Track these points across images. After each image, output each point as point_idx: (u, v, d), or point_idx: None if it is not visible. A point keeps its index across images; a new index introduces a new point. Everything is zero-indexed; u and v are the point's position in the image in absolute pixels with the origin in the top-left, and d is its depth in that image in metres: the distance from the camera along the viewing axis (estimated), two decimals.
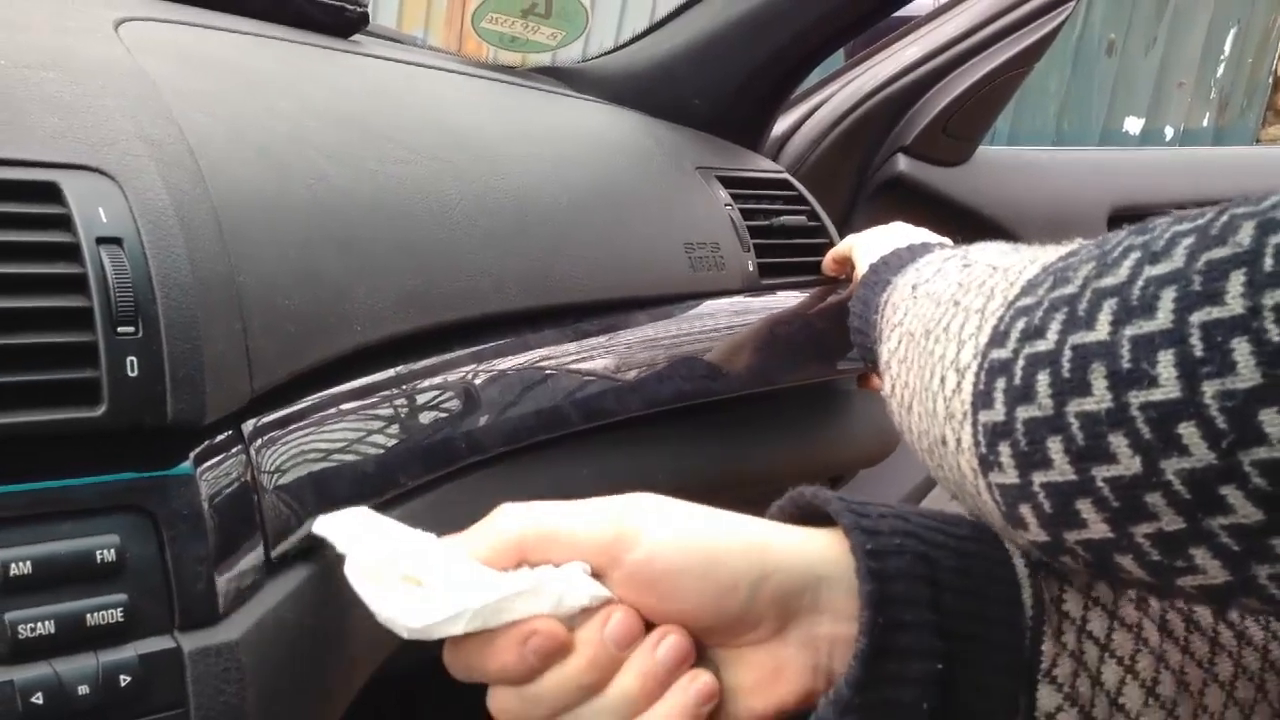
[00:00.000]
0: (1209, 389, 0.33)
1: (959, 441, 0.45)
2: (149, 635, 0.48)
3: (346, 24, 0.91)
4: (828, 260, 0.97)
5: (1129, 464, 0.35)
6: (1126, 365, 0.35)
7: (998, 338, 0.43)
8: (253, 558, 0.53)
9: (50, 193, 0.49)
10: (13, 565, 0.45)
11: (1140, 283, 0.36)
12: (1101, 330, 0.37)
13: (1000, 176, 1.42)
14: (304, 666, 0.53)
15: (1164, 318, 0.34)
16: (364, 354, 0.63)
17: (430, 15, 3.82)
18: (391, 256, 0.66)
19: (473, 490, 0.70)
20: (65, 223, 0.49)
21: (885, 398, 0.60)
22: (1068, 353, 0.38)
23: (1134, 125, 5.53)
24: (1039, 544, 0.42)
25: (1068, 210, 1.46)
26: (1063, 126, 5.26)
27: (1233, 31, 5.59)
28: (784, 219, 1.00)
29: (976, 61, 1.28)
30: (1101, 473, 0.36)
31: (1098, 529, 0.38)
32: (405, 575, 0.46)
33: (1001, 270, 0.49)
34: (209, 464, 0.52)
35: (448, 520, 0.67)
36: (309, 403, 0.60)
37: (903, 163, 1.31)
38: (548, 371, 0.75)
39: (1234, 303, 0.32)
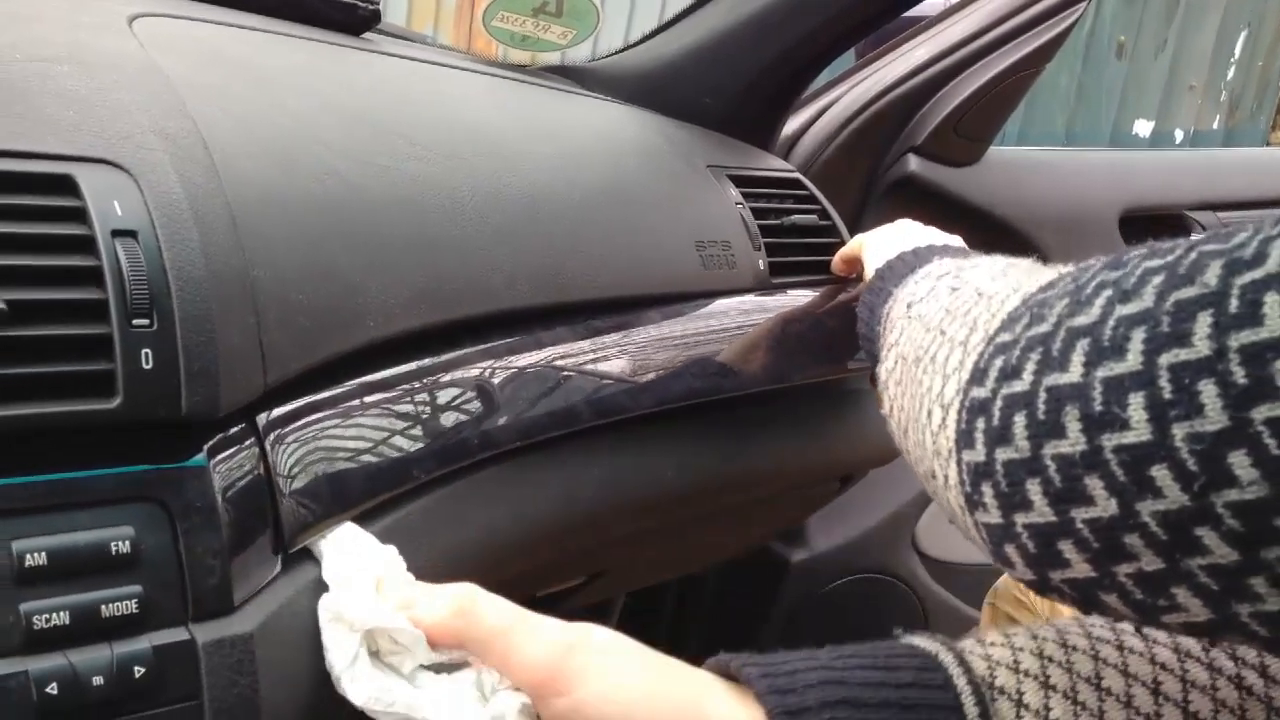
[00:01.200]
0: (1179, 431, 0.33)
1: (947, 478, 0.46)
2: (163, 627, 0.48)
3: (358, 21, 0.91)
4: (836, 260, 0.97)
5: (1105, 506, 0.36)
6: (1099, 408, 0.35)
7: (978, 375, 0.43)
8: (266, 550, 0.54)
9: (66, 185, 0.50)
10: (28, 556, 0.45)
11: (1111, 322, 0.36)
12: (1074, 372, 0.37)
13: (1012, 177, 1.42)
14: (317, 659, 0.53)
15: (1134, 359, 0.35)
16: (377, 349, 0.63)
17: (440, 13, 3.82)
18: (403, 252, 0.67)
19: (484, 486, 0.70)
20: (80, 215, 0.49)
21: (885, 417, 0.61)
22: (1043, 394, 0.38)
23: (1144, 128, 5.51)
24: (1027, 581, 0.42)
25: (1080, 211, 1.46)
26: (1073, 129, 5.25)
27: (1243, 34, 5.57)
28: (795, 218, 1.00)
29: (987, 62, 1.28)
30: (1080, 514, 0.37)
31: (1081, 569, 0.38)
32: (364, 635, 0.51)
33: (985, 299, 0.49)
34: (223, 456, 0.52)
35: (459, 514, 0.68)
36: (322, 396, 0.60)
37: (913, 163, 1.31)
38: (560, 369, 0.76)
39: (1201, 344, 0.32)
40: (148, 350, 0.48)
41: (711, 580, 1.43)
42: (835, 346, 0.97)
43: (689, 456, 0.88)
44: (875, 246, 0.83)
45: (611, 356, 0.79)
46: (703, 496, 0.93)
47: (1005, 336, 0.43)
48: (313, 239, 0.61)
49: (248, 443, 0.54)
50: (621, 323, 0.82)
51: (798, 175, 1.09)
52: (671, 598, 1.46)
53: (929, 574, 1.46)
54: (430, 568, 0.65)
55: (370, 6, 0.91)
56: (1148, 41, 5.33)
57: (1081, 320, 0.38)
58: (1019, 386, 0.39)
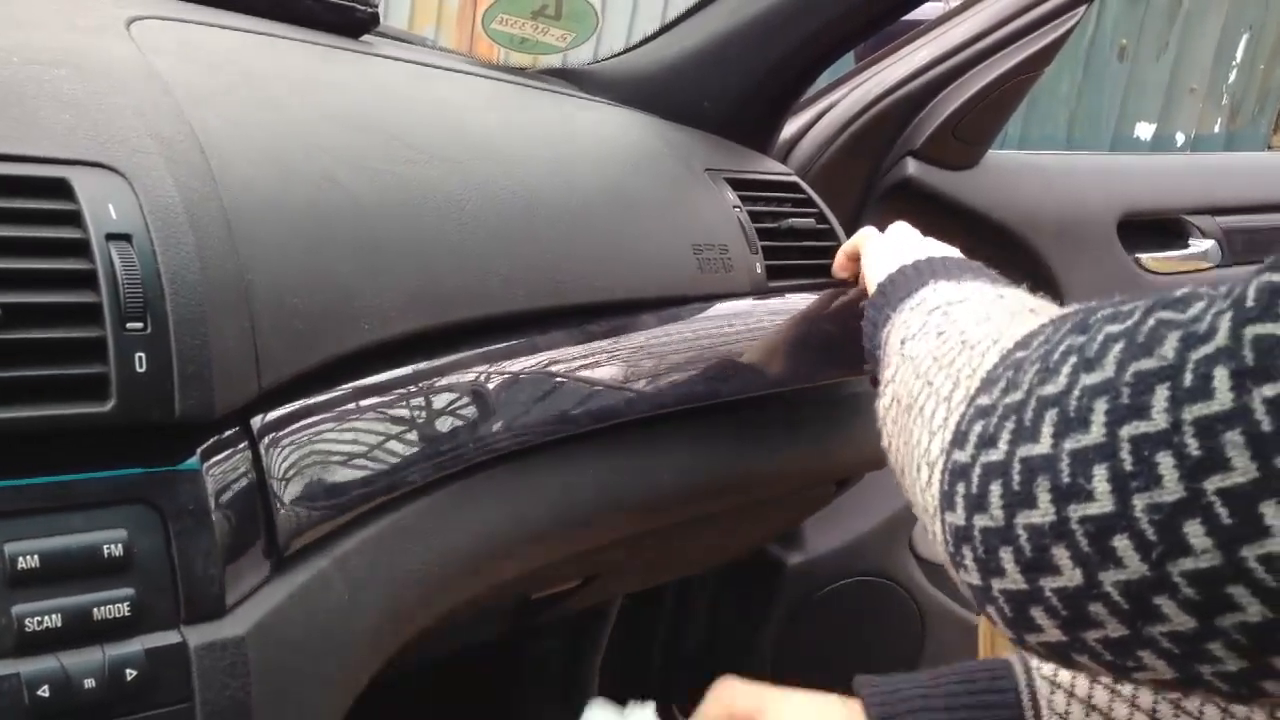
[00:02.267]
0: (1139, 502, 0.34)
1: (934, 534, 0.47)
2: (155, 630, 0.48)
3: (356, 24, 0.91)
4: (839, 257, 0.97)
5: (1071, 575, 0.37)
6: (1066, 479, 0.37)
7: (959, 438, 0.45)
8: (259, 553, 0.54)
9: (61, 189, 0.50)
10: (20, 559, 0.45)
11: (1077, 392, 0.37)
12: (1045, 443, 0.38)
13: (1009, 180, 1.42)
14: (309, 662, 0.53)
15: (1097, 431, 0.36)
16: (372, 353, 0.64)
17: (442, 14, 3.83)
18: (399, 256, 0.67)
19: (480, 489, 0.70)
20: (75, 219, 0.49)
21: (885, 443, 0.62)
22: (1017, 465, 0.39)
23: (1145, 131, 5.51)
24: (1010, 639, 0.44)
25: (1078, 215, 1.46)
26: (1073, 132, 5.25)
27: (1245, 37, 5.57)
28: (792, 221, 1.00)
29: (987, 65, 1.28)
30: (1048, 583, 0.38)
31: (1052, 633, 0.40)
32: None
33: (968, 349, 0.51)
34: (216, 460, 0.52)
35: (455, 517, 0.68)
36: (317, 400, 0.60)
37: (912, 166, 1.30)
38: (556, 373, 0.76)
39: (1159, 417, 0.34)
40: (141, 354, 0.48)
41: (708, 583, 1.43)
42: (833, 352, 0.97)
43: (685, 459, 0.88)
44: (875, 254, 0.82)
45: (608, 361, 0.79)
46: (699, 499, 0.93)
47: (984, 400, 0.44)
48: (308, 243, 0.61)
49: (241, 446, 0.54)
50: (618, 326, 0.82)
51: (795, 179, 1.09)
52: (668, 600, 1.46)
53: (925, 577, 1.46)
54: (425, 570, 0.65)
55: (368, 9, 0.91)
56: (1149, 44, 5.33)
57: (1050, 389, 0.39)
58: (995, 455, 0.41)
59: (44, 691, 0.45)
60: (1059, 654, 0.41)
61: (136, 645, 0.47)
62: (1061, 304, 0.60)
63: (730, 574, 1.40)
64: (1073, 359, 0.39)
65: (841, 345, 0.95)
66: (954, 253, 0.78)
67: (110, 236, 0.49)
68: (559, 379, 0.76)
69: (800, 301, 0.97)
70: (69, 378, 0.47)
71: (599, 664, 1.39)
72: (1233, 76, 5.65)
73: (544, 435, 0.74)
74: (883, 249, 0.82)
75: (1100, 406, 0.36)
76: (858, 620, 1.45)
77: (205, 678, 0.49)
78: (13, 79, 0.54)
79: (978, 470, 0.42)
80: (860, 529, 1.41)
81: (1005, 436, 0.40)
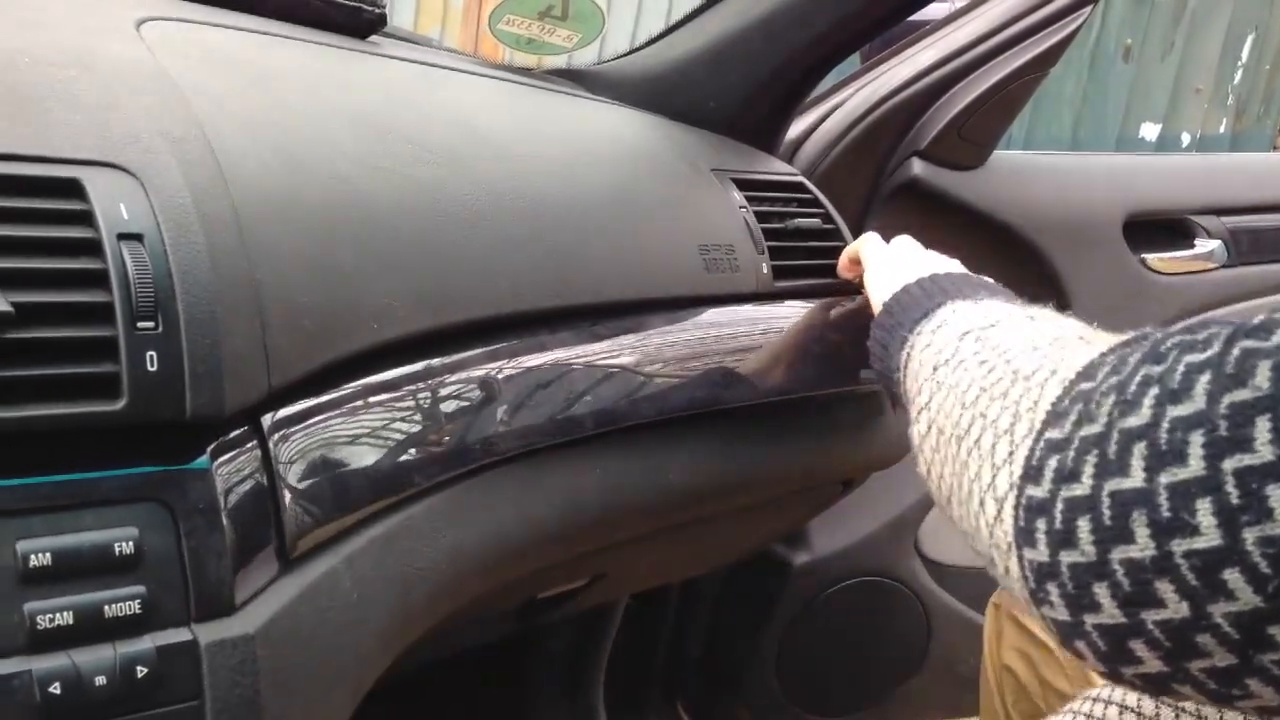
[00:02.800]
0: (1250, 535, 0.34)
1: (1008, 570, 0.47)
2: (166, 627, 0.49)
3: (364, 25, 0.91)
4: (843, 260, 0.97)
5: (1177, 608, 0.37)
6: (1166, 514, 0.36)
7: (1031, 473, 0.44)
8: (269, 551, 0.54)
9: (73, 189, 0.50)
10: (32, 556, 0.46)
11: (1166, 425, 0.37)
12: (1137, 477, 0.38)
13: (1015, 181, 1.42)
14: (318, 660, 0.54)
15: (1196, 465, 0.35)
16: (381, 352, 0.64)
17: (448, 14, 3.83)
18: (407, 255, 0.67)
19: (488, 489, 0.70)
20: (87, 218, 0.49)
21: (920, 473, 0.61)
22: (1106, 499, 0.39)
23: (1150, 131, 5.51)
24: (1100, 673, 0.43)
25: (1082, 215, 1.45)
26: (1079, 132, 5.25)
27: (1250, 37, 5.56)
28: (798, 221, 1.00)
29: (992, 66, 1.28)
30: (1151, 616, 0.38)
31: (1153, 665, 0.39)
32: None
33: (1022, 380, 0.50)
34: (226, 458, 0.52)
35: (463, 516, 0.68)
36: (326, 399, 0.60)
37: (917, 166, 1.30)
38: (563, 374, 0.76)
39: (1264, 449, 0.34)
40: (153, 353, 0.48)
41: (714, 583, 1.43)
42: (839, 361, 0.97)
43: (692, 460, 0.88)
44: (877, 267, 0.82)
45: (616, 364, 0.79)
46: (705, 500, 0.93)
47: (1055, 434, 0.44)
48: (318, 242, 0.61)
49: (251, 445, 0.54)
50: (625, 327, 0.82)
51: (801, 179, 1.09)
52: (674, 599, 1.46)
53: (931, 577, 1.46)
54: (434, 570, 0.66)
55: (376, 10, 0.91)
56: (1154, 45, 5.33)
57: (1134, 422, 0.39)
58: (1079, 490, 0.40)
59: (55, 688, 0.45)
60: (1157, 684, 0.40)
61: (147, 643, 0.48)
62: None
63: (736, 574, 1.40)
64: (1154, 390, 0.39)
65: (849, 356, 0.95)
66: (956, 266, 0.78)
67: (122, 236, 0.49)
68: (568, 381, 0.76)
69: (808, 310, 0.97)
70: (81, 377, 0.47)
71: (605, 663, 1.40)
72: (1238, 76, 5.64)
73: (552, 438, 0.74)
74: (884, 262, 0.82)
75: (1196, 439, 0.36)
76: (863, 620, 1.45)
77: (215, 675, 0.49)
78: (24, 80, 0.54)
79: (1060, 505, 0.41)
80: (866, 529, 1.41)
81: (1089, 470, 0.40)
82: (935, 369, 0.61)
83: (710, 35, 1.08)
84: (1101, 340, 0.51)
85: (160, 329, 0.49)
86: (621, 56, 1.15)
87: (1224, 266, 1.55)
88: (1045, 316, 0.60)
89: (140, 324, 0.48)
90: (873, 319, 0.75)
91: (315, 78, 0.77)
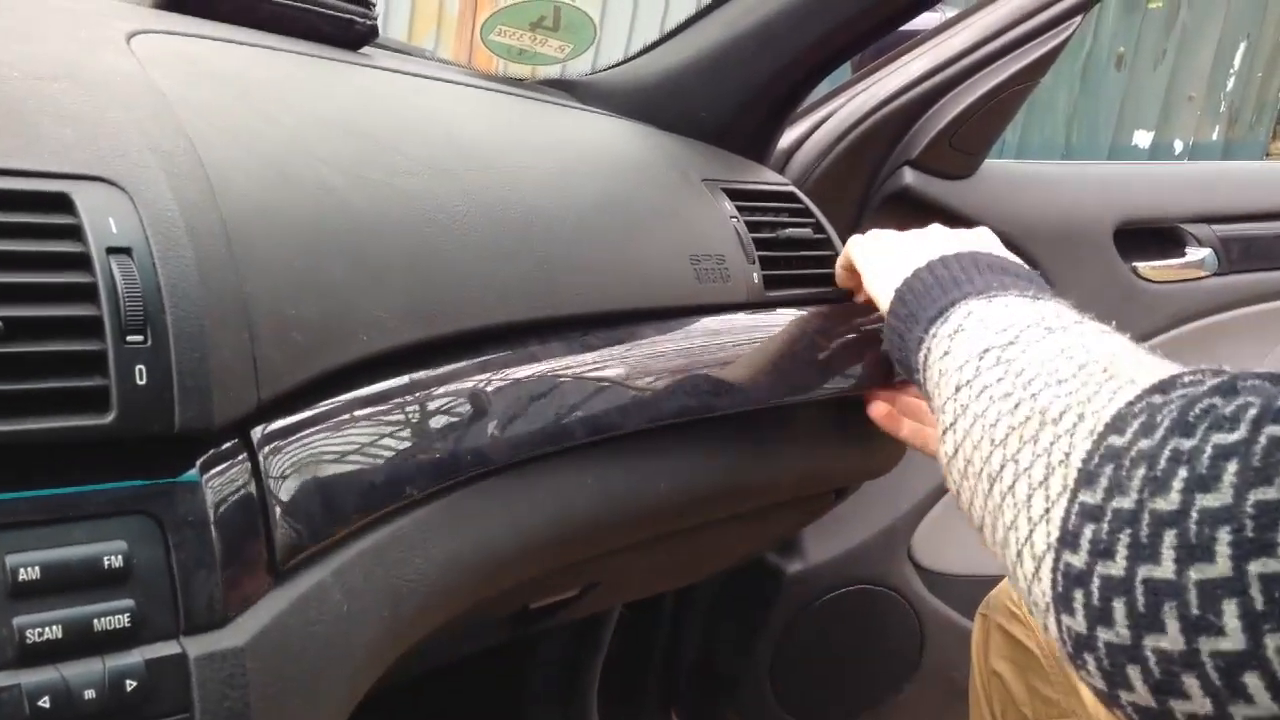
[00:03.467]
0: (1271, 643, 0.34)
1: (1047, 627, 0.47)
2: (155, 640, 0.49)
3: (356, 36, 0.92)
4: (838, 271, 0.97)
5: (1201, 704, 0.37)
6: (1195, 611, 0.37)
7: (1068, 539, 0.44)
8: (258, 564, 0.54)
9: (61, 203, 0.50)
10: (21, 570, 0.46)
11: (1195, 515, 0.37)
12: (1167, 568, 0.38)
13: (1007, 190, 1.42)
14: (308, 673, 0.54)
15: (1223, 564, 0.36)
16: (371, 364, 0.64)
17: (442, 23, 3.83)
18: (398, 267, 0.67)
19: (479, 500, 0.70)
20: (76, 233, 0.49)
21: (951, 489, 0.61)
22: (1139, 585, 0.39)
23: (1143, 139, 5.53)
24: None
25: (1074, 223, 1.46)
26: (1071, 140, 5.26)
27: (1243, 45, 5.59)
28: (789, 231, 1.01)
29: (983, 75, 1.29)
30: (1179, 706, 0.38)
31: None
32: None
33: (1051, 423, 0.49)
34: (216, 471, 0.52)
35: (454, 527, 0.68)
36: (316, 411, 0.60)
37: (909, 176, 1.31)
38: (554, 384, 0.76)
39: None
40: (142, 366, 0.49)
41: (708, 590, 1.43)
42: (831, 370, 0.97)
43: (683, 469, 0.88)
44: (873, 264, 0.82)
45: (606, 374, 0.80)
46: (697, 508, 0.93)
47: (1088, 498, 0.44)
48: (307, 254, 0.61)
49: (240, 458, 0.54)
50: (616, 338, 0.82)
51: (792, 189, 1.09)
52: (668, 607, 1.46)
53: (924, 585, 1.46)
54: (424, 581, 0.66)
55: (368, 21, 0.91)
56: (1147, 53, 5.35)
57: (1163, 506, 0.39)
58: (1114, 570, 0.41)
59: (44, 702, 0.45)
60: None
61: (136, 656, 0.48)
62: None
63: (729, 582, 1.40)
64: (1183, 472, 0.39)
65: (844, 363, 0.95)
66: (947, 238, 0.78)
67: (111, 250, 0.49)
68: (558, 391, 0.76)
69: (801, 317, 0.97)
70: (70, 390, 0.47)
71: (599, 670, 1.40)
72: (1230, 84, 5.66)
73: (542, 448, 0.74)
74: (878, 254, 0.82)
75: (1223, 537, 0.36)
76: (856, 628, 1.45)
77: (205, 688, 0.49)
78: (13, 93, 0.54)
79: (1096, 581, 0.42)
80: (859, 537, 1.41)
81: (1122, 551, 0.40)
82: (958, 389, 0.60)
83: (702, 45, 1.08)
84: (1125, 368, 0.50)
85: (149, 343, 0.49)
86: (613, 67, 1.15)
87: (1215, 275, 1.56)
88: (1061, 324, 0.58)
89: (129, 338, 0.48)
90: (867, 325, 0.75)
91: (306, 90, 0.77)
